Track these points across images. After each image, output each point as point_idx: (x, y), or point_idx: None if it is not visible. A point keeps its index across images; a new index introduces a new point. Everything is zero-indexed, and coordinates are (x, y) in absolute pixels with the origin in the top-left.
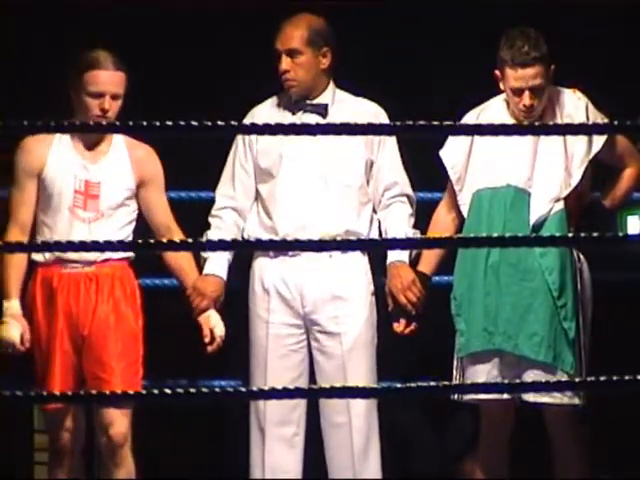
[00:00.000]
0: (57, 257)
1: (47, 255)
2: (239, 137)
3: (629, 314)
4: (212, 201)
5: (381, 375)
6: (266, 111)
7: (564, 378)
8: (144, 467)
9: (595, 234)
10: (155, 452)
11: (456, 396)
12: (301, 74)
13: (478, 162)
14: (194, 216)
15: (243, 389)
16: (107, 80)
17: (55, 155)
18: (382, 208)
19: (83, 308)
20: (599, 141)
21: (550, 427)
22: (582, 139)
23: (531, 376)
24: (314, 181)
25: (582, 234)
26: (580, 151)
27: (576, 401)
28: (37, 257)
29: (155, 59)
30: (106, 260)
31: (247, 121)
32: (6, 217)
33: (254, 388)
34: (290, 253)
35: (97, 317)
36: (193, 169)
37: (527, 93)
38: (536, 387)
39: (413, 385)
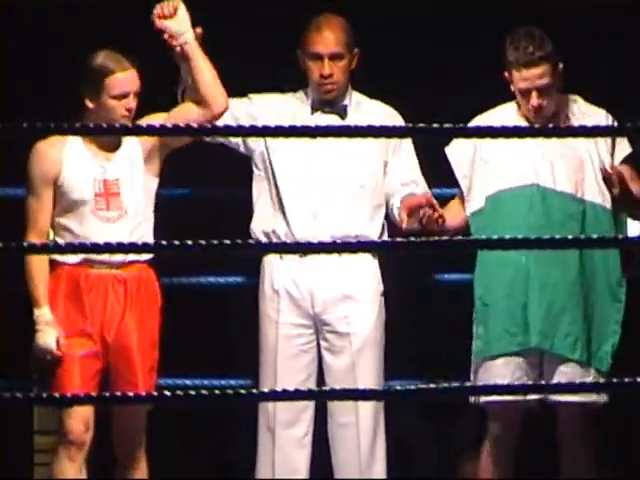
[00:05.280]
0: (84, 258)
1: (73, 256)
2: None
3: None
4: (211, 200)
5: (386, 375)
6: (285, 106)
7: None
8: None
9: (595, 236)
10: (155, 451)
11: (473, 399)
12: (341, 78)
13: (490, 162)
14: (193, 216)
15: (255, 391)
16: (130, 80)
17: (70, 159)
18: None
19: (111, 312)
20: (623, 151)
21: (563, 426)
22: (606, 145)
23: (560, 375)
24: (329, 180)
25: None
26: (604, 156)
27: (604, 398)
28: (61, 257)
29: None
30: (133, 262)
31: (264, 97)
32: (24, 223)
33: (266, 390)
34: (300, 253)
35: (124, 322)
36: (192, 168)
37: (534, 93)
38: (551, 388)
39: (427, 387)
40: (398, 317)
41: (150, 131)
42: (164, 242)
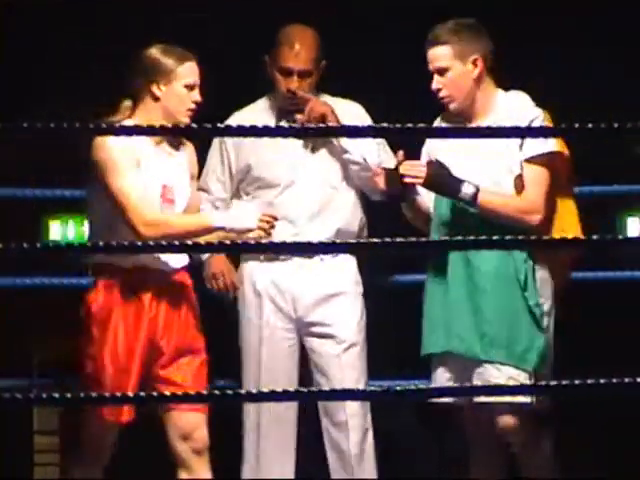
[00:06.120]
0: (141, 264)
1: (129, 261)
2: (217, 144)
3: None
4: None
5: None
6: (250, 116)
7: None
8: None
9: (595, 236)
10: (155, 451)
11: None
12: (307, 92)
13: None
14: None
15: (254, 392)
16: (197, 71)
17: (142, 154)
18: None
19: (171, 319)
20: (530, 151)
21: (503, 430)
22: (516, 145)
23: (476, 377)
24: (304, 184)
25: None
26: (515, 156)
27: (522, 399)
28: (112, 261)
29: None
30: (182, 268)
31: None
32: (125, 208)
33: (252, 391)
34: (282, 256)
35: (187, 325)
36: None
37: (435, 77)
38: (524, 390)
39: (426, 387)
40: (383, 316)
41: (153, 131)
42: (164, 243)
